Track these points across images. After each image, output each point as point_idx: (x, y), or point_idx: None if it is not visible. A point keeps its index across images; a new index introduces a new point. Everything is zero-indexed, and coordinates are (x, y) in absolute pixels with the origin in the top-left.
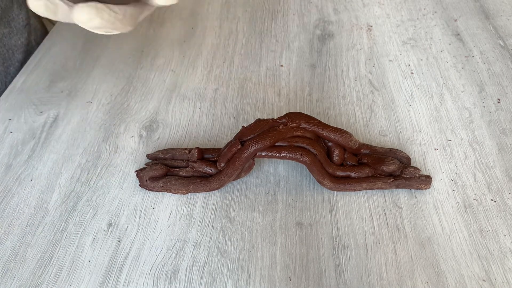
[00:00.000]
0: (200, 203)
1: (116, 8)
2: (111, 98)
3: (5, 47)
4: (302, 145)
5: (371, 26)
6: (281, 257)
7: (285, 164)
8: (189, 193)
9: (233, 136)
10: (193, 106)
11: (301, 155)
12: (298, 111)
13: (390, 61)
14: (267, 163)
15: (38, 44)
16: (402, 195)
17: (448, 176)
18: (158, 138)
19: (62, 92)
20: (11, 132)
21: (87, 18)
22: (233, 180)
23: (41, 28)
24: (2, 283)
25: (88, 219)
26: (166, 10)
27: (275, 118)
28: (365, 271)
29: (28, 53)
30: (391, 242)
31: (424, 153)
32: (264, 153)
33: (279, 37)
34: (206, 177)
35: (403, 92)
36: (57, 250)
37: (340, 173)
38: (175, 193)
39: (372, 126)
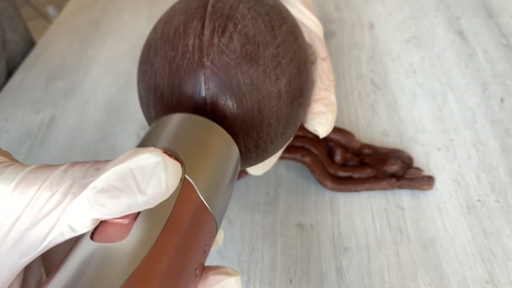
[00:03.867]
0: None
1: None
2: (108, 97)
3: None
4: (303, 145)
5: (373, 24)
6: (281, 259)
7: (285, 164)
8: None
9: None
10: None
11: (302, 155)
12: None
13: (392, 59)
14: None
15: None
16: (404, 196)
17: (451, 177)
18: None
19: (59, 91)
20: (7, 132)
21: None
22: None
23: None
24: None
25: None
26: (165, 7)
27: None
28: (367, 273)
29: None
30: (393, 243)
31: (427, 153)
32: None
33: None
34: None
35: (405, 92)
36: None
37: (341, 173)
38: None
39: (374, 126)
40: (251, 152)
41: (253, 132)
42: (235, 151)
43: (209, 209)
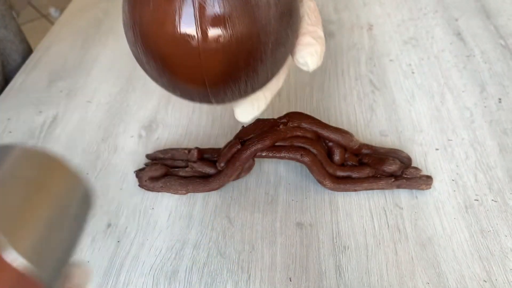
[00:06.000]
0: (200, 204)
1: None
2: (110, 97)
3: None
4: (302, 145)
5: (372, 25)
6: (281, 258)
7: (285, 164)
8: (189, 193)
9: (233, 136)
10: (193, 105)
11: (301, 155)
12: (299, 111)
13: (391, 60)
14: (267, 163)
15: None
16: (403, 196)
17: (449, 176)
18: (157, 138)
19: (61, 91)
20: (10, 132)
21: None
22: (233, 180)
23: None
24: None
25: (87, 219)
26: None
27: (275, 118)
28: (365, 272)
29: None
30: (391, 242)
31: (425, 153)
32: (264, 153)
33: None
34: (205, 177)
35: (404, 92)
36: None
37: (340, 173)
38: (175, 193)
39: (373, 126)
40: (240, 71)
41: (243, 46)
42: (79, 190)
43: (36, 273)
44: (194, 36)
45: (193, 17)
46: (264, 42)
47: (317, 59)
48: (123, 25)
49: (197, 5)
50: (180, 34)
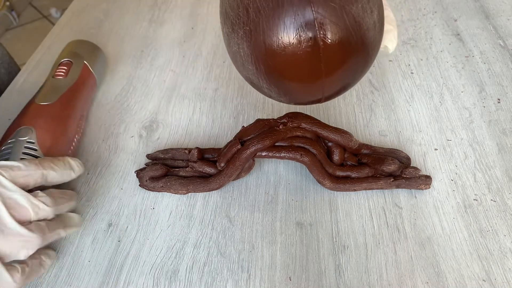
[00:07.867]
0: (200, 203)
1: None
2: (111, 98)
3: None
4: (302, 145)
5: None
6: (281, 257)
7: (285, 164)
8: (189, 193)
9: (233, 136)
10: (193, 106)
11: (301, 155)
12: (298, 111)
13: (390, 61)
14: (267, 163)
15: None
16: (402, 195)
17: (448, 176)
18: (158, 138)
19: None
20: None
21: None
22: (233, 180)
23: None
24: None
25: (88, 219)
26: (166, 10)
27: (275, 118)
28: (365, 271)
29: None
30: (391, 242)
31: (424, 153)
32: (264, 153)
33: None
34: (206, 177)
35: (403, 92)
36: (56, 250)
37: (340, 173)
38: (175, 193)
39: (372, 126)
40: (352, 74)
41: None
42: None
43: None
44: (320, 68)
45: (314, 38)
46: (371, 55)
47: (396, 43)
48: (236, 56)
49: (318, 29)
50: (302, 53)
